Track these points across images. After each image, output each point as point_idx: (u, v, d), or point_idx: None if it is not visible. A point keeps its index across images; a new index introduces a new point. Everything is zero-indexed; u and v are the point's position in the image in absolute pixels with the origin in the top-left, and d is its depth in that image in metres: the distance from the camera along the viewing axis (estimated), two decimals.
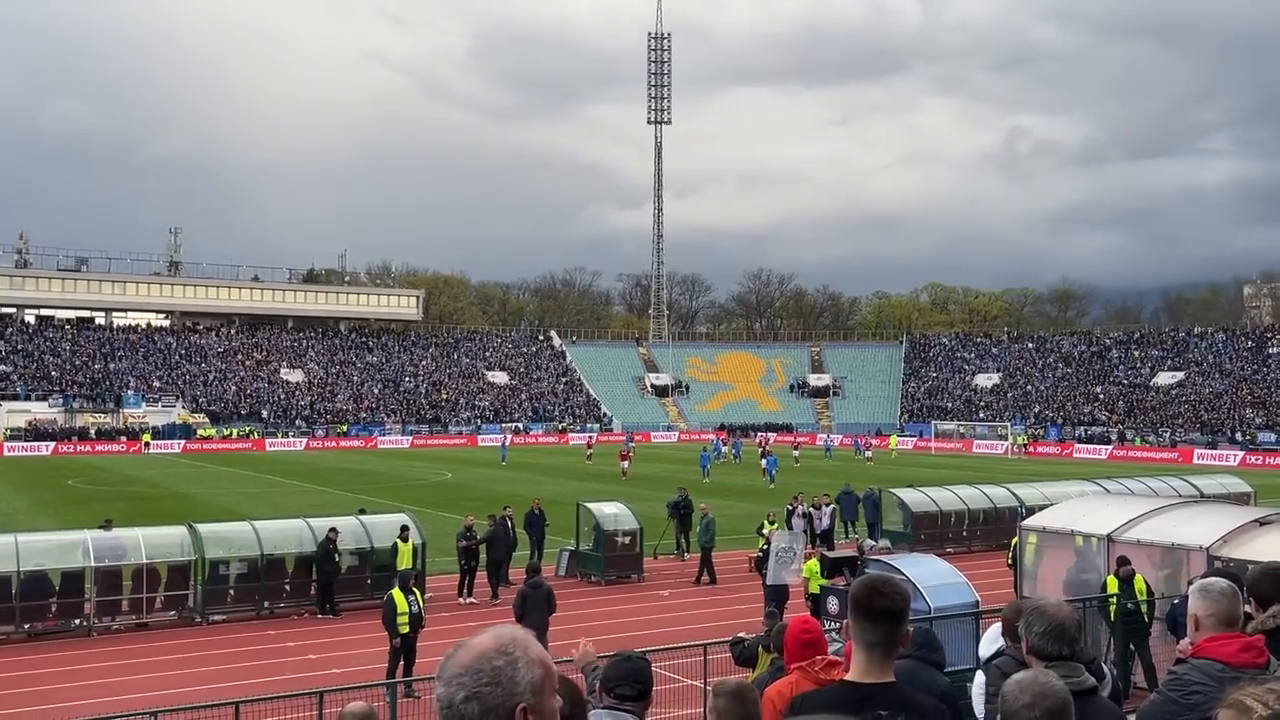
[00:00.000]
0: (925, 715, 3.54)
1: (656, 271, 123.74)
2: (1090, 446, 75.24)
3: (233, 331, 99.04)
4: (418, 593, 17.02)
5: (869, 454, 65.58)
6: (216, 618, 20.85)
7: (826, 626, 12.14)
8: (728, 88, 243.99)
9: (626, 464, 52.76)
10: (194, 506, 37.23)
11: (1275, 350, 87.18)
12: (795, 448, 65.12)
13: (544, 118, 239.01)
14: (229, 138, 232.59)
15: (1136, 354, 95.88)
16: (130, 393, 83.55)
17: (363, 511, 25.49)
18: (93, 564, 20.16)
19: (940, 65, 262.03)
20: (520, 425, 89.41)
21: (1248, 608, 4.70)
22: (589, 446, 65.11)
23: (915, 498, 30.53)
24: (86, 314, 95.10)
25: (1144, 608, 14.90)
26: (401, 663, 16.12)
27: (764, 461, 50.63)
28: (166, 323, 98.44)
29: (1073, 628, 4.14)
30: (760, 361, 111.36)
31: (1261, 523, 16.51)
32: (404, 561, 21.27)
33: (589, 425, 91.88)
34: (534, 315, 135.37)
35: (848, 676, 3.60)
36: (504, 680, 1.99)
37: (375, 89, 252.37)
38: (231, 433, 79.80)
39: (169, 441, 75.66)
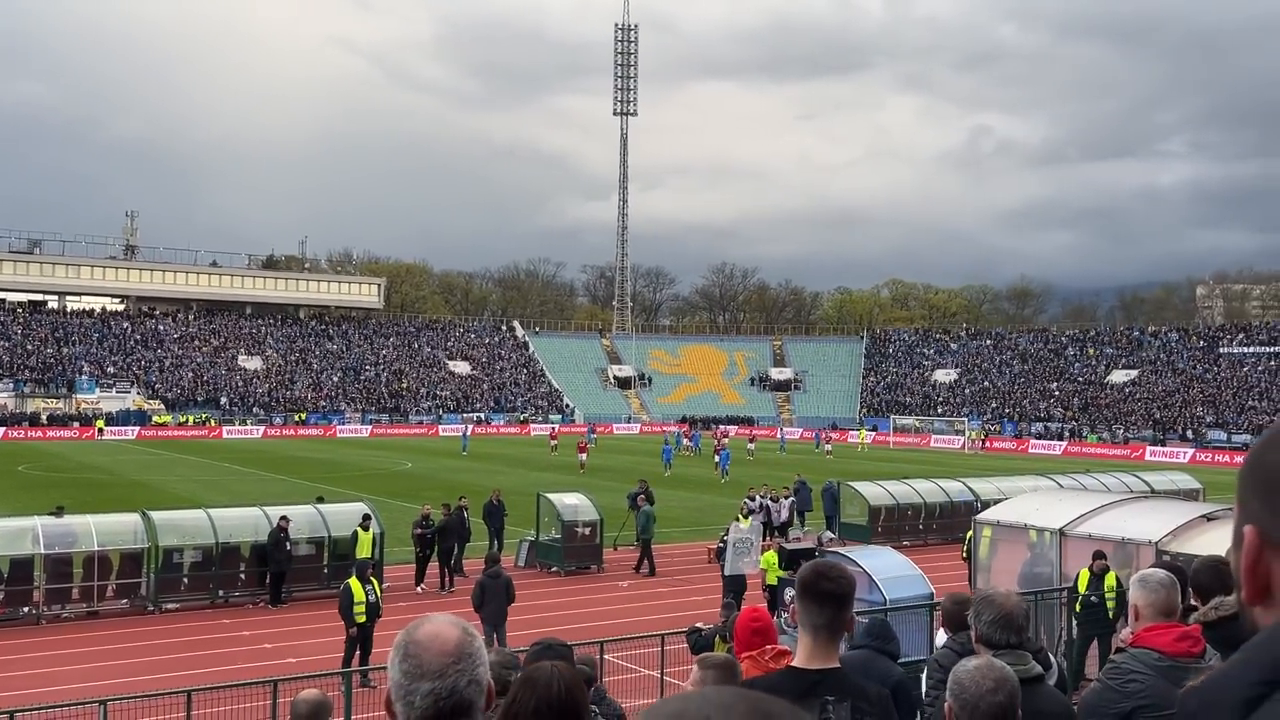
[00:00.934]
0: (870, 702, 3.59)
1: (621, 263, 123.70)
2: (1045, 442, 76.26)
3: (190, 317, 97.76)
4: (375, 582, 16.94)
5: (829, 447, 66.00)
6: (170, 606, 20.63)
7: (782, 618, 12.25)
8: (695, 81, 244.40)
9: (584, 456, 52.23)
10: (148, 494, 36.76)
11: (1226, 350, 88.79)
12: (750, 440, 65.24)
13: (510, 107, 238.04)
14: (189, 121, 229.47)
15: (1092, 352, 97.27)
16: (84, 378, 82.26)
17: (320, 500, 25.33)
18: (43, 551, 19.85)
19: (905, 63, 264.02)
20: (481, 416, 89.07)
21: (1193, 599, 4.81)
22: (553, 438, 64.93)
23: (873, 491, 30.82)
24: (39, 297, 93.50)
25: (1110, 603, 15.09)
26: (358, 652, 16.05)
27: (717, 456, 50.12)
28: (122, 307, 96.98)
29: (1020, 617, 4.22)
30: (722, 355, 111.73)
31: (1209, 518, 16.85)
32: (363, 551, 21.15)
33: (551, 416, 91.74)
34: (497, 305, 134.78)
35: (794, 663, 3.65)
36: (485, 659, 2.14)
37: (339, 74, 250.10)
38: (188, 420, 78.83)
39: (123, 428, 74.61)
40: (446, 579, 23.36)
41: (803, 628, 3.58)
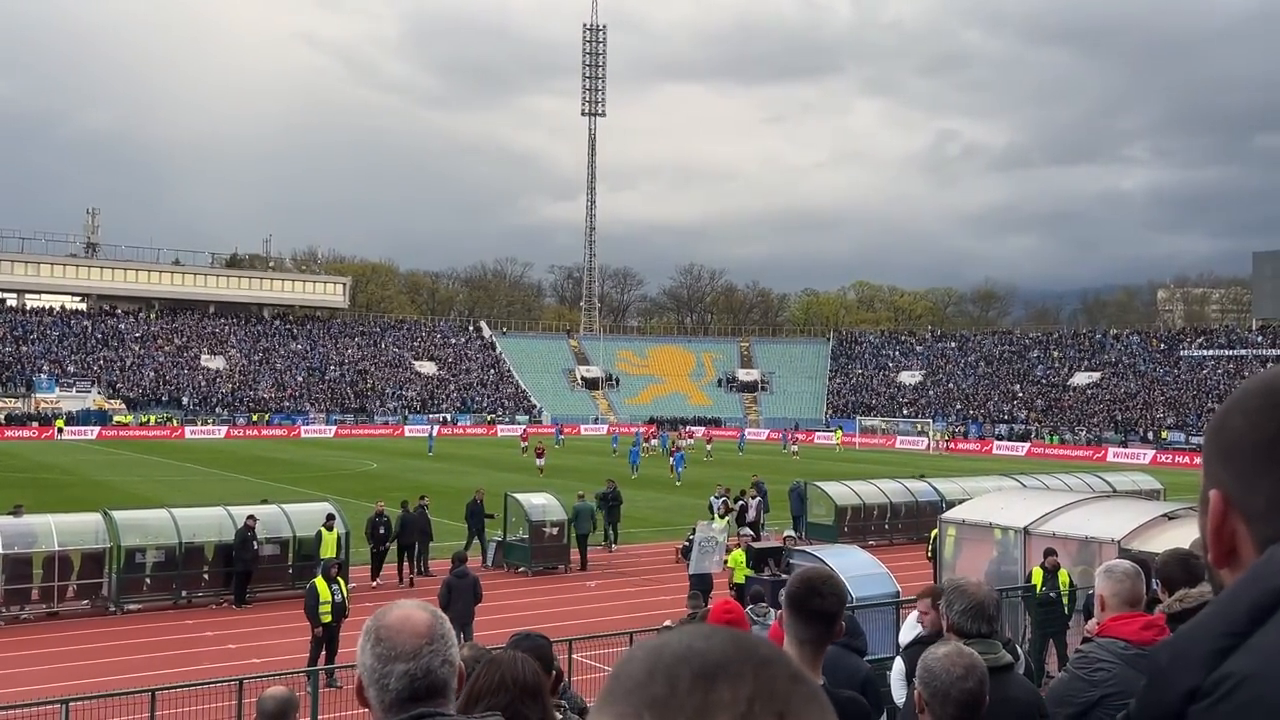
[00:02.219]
0: (845, 713, 3.61)
1: (588, 264, 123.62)
2: (1009, 443, 77.03)
3: (152, 316, 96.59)
4: (341, 582, 16.83)
5: (795, 448, 66.28)
6: (131, 607, 20.38)
7: (752, 618, 12.30)
8: (663, 82, 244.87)
9: (542, 461, 49.60)
10: (109, 494, 36.25)
11: (1186, 353, 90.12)
12: (708, 442, 64.75)
13: (477, 106, 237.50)
14: (152, 116, 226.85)
15: (1055, 354, 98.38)
16: (43, 377, 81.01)
17: (265, 501, 25.26)
18: (1, 551, 19.54)
19: (872, 66, 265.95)
20: (448, 416, 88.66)
21: (1157, 591, 4.89)
22: (523, 439, 64.35)
23: (839, 491, 31.01)
24: None
25: (1065, 599, 15.31)
26: (324, 652, 15.94)
27: (671, 458, 48.62)
28: (82, 306, 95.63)
29: (991, 606, 4.27)
30: (690, 356, 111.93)
31: (1169, 517, 17.13)
32: (328, 550, 21.01)
33: (519, 417, 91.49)
34: (463, 305, 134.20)
35: None
36: (455, 642, 2.19)
37: (305, 71, 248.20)
38: (149, 419, 77.86)
39: (83, 428, 73.56)
40: (406, 574, 23.59)
41: (789, 639, 3.54)
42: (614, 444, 65.25)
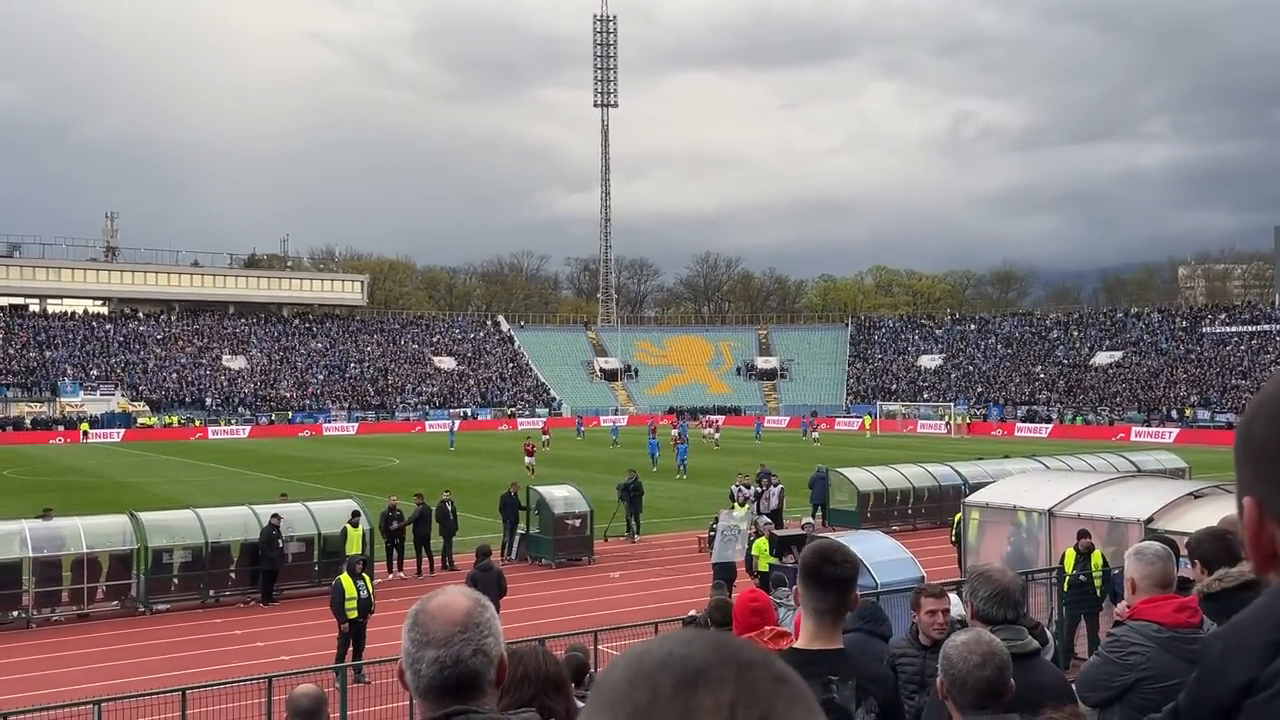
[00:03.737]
0: (874, 680, 3.60)
1: (604, 256, 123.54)
2: (1032, 425, 76.61)
3: (172, 318, 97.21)
4: (366, 578, 16.92)
5: (816, 435, 66.12)
6: (160, 607, 20.55)
7: (776, 601, 12.28)
8: (675, 71, 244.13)
9: (531, 459, 45.94)
10: (136, 495, 36.57)
11: (1209, 330, 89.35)
12: (716, 430, 64.24)
13: (490, 101, 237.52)
14: (166, 120, 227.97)
15: (1075, 334, 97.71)
16: (67, 381, 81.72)
17: (284, 496, 25.64)
18: (31, 554, 19.74)
19: (886, 49, 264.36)
20: (468, 411, 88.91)
21: (1189, 571, 4.83)
22: (545, 432, 64.12)
23: (861, 477, 30.93)
24: (20, 301, 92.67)
25: (1098, 581, 15.18)
26: (350, 648, 16.03)
27: (677, 450, 46.31)
28: (104, 309, 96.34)
29: (1016, 592, 4.24)
30: (708, 345, 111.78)
31: (1196, 495, 16.98)
32: (354, 547, 21.14)
33: (538, 410, 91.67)
34: (481, 300, 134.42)
35: (797, 644, 3.65)
36: (495, 631, 2.15)
37: (318, 71, 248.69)
38: (173, 421, 78.43)
39: (108, 430, 74.19)
40: (424, 565, 24.00)
41: (806, 611, 3.56)
42: (614, 436, 65.59)
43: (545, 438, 61.82)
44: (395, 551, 23.84)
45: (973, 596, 4.29)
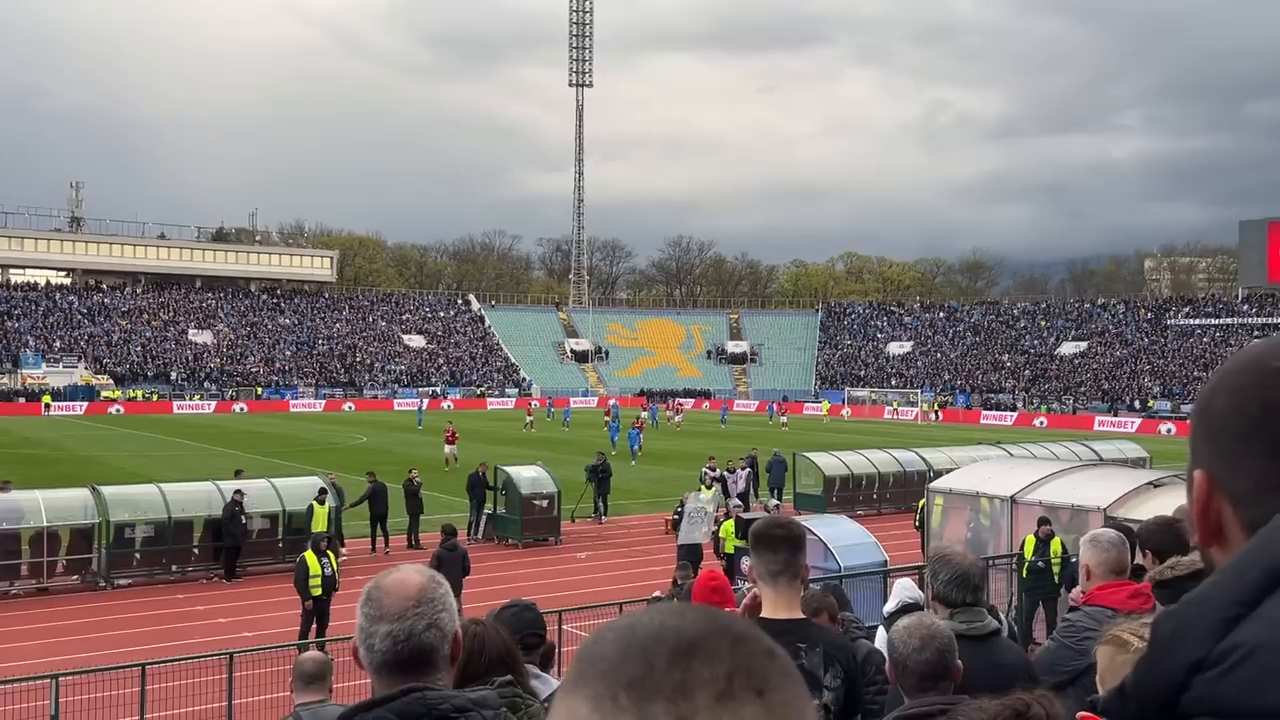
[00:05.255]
0: (838, 648, 3.67)
1: (577, 236, 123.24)
2: (997, 413, 77.35)
3: (138, 291, 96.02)
4: (331, 555, 16.85)
5: (784, 419, 66.37)
6: (121, 582, 20.38)
7: (739, 586, 12.35)
8: (652, 53, 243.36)
9: (451, 449, 39.69)
10: (98, 469, 36.20)
11: (1173, 322, 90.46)
12: (677, 414, 64.43)
13: (465, 77, 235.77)
14: (135, 89, 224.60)
15: (1042, 324, 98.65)
16: (29, 353, 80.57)
17: (239, 473, 25.29)
18: None
19: (862, 36, 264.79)
20: (437, 390, 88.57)
21: (1142, 560, 4.91)
22: (529, 414, 62.92)
23: (828, 461, 31.12)
24: None
25: (1056, 567, 15.38)
26: (314, 625, 15.98)
27: (629, 434, 44.78)
28: (67, 280, 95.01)
29: (976, 576, 4.29)
30: (679, 328, 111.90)
31: (1155, 485, 17.23)
32: (319, 524, 21.02)
33: (507, 390, 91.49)
34: (452, 278, 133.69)
35: (763, 614, 3.69)
36: (449, 607, 2.16)
37: (291, 43, 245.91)
38: (137, 395, 77.59)
39: (70, 403, 73.28)
40: (378, 543, 23.88)
41: (762, 580, 3.63)
42: (565, 419, 63.41)
43: (530, 419, 61.41)
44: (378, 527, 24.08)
45: (933, 579, 4.33)
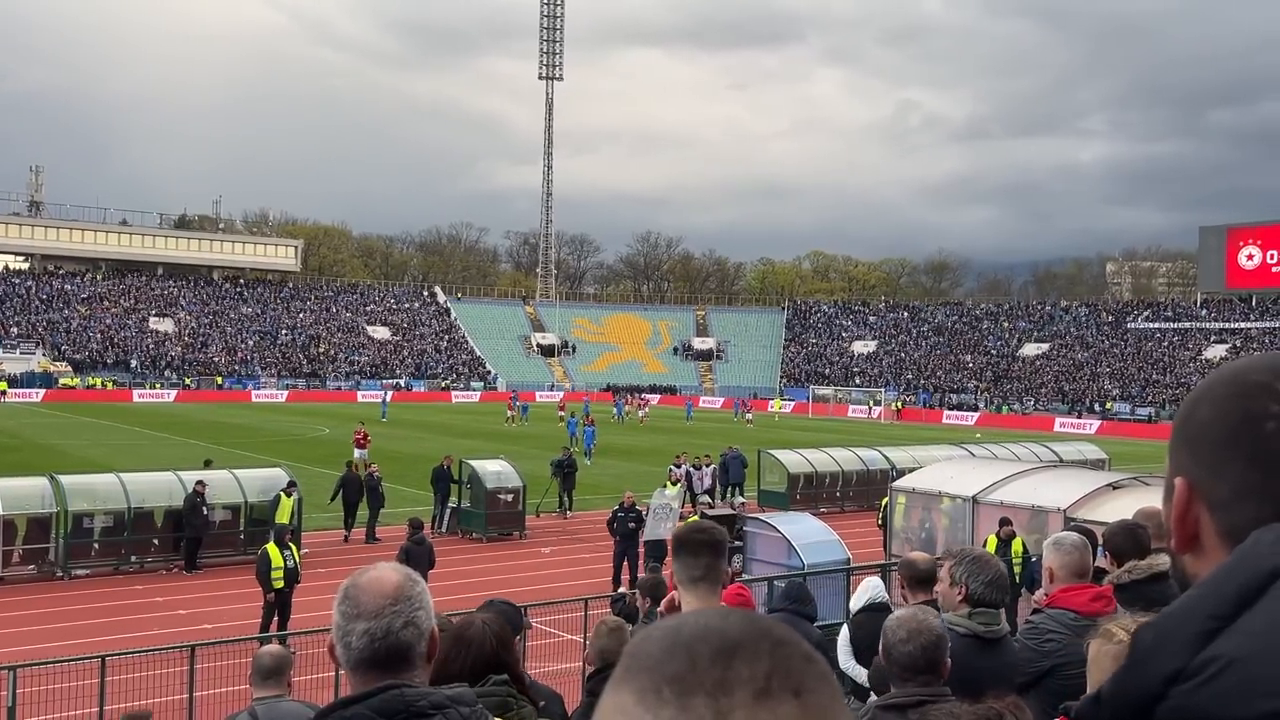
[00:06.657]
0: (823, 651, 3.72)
1: (545, 230, 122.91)
2: (959, 413, 78.06)
3: (98, 277, 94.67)
4: (294, 548, 16.74)
5: (749, 416, 66.63)
6: (79, 572, 20.12)
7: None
8: (623, 47, 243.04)
9: (362, 453, 33.18)
10: (56, 458, 35.66)
11: (1133, 325, 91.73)
12: (640, 409, 64.51)
13: (434, 68, 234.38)
14: (96, 72, 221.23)
15: (1005, 325, 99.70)
16: None
17: (208, 464, 25.05)
18: None
19: (833, 35, 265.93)
20: (401, 382, 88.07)
21: (1103, 562, 5.00)
22: (510, 409, 61.98)
23: (792, 459, 31.28)
24: None
25: (1017, 567, 15.55)
26: (276, 618, 15.87)
27: (584, 432, 43.50)
28: (26, 266, 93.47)
29: (1005, 579, 4.37)
30: (646, 323, 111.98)
31: (1114, 486, 17.50)
32: (283, 516, 20.86)
33: (473, 383, 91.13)
34: (418, 270, 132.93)
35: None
36: (426, 605, 2.18)
37: (257, 28, 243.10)
38: (96, 383, 76.52)
39: (28, 390, 72.16)
40: (354, 533, 23.97)
41: (682, 585, 3.55)
42: (523, 413, 61.40)
43: (510, 414, 60.67)
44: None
45: (971, 579, 4.29)
